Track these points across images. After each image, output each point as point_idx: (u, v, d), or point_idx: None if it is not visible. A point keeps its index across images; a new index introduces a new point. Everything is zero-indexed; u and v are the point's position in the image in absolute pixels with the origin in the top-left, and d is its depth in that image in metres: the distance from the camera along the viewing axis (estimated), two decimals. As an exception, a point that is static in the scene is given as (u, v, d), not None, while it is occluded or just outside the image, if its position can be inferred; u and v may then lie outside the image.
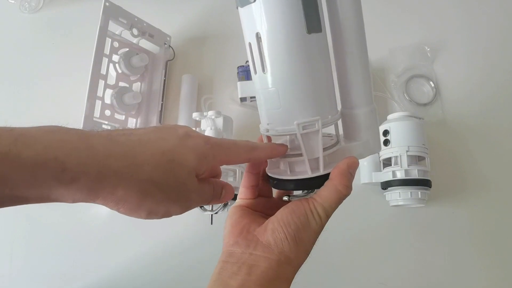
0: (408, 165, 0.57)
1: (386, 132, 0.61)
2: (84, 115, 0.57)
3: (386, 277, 0.60)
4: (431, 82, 0.70)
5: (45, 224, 0.68)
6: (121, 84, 0.68)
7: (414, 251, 0.61)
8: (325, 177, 0.30)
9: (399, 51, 0.72)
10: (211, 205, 0.58)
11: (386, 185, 0.59)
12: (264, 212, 0.34)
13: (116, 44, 0.67)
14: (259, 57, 0.28)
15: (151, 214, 0.25)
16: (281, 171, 0.32)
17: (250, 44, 0.29)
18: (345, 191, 0.30)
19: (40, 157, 0.19)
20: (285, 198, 0.32)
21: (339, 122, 0.33)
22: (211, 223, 0.59)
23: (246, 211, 0.33)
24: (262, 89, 0.29)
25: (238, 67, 0.69)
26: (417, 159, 0.59)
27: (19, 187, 0.20)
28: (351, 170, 0.30)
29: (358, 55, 0.31)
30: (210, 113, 0.61)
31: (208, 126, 0.61)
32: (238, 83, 0.68)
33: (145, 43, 0.72)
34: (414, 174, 0.57)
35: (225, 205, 0.58)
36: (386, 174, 0.59)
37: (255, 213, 0.33)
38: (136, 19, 0.68)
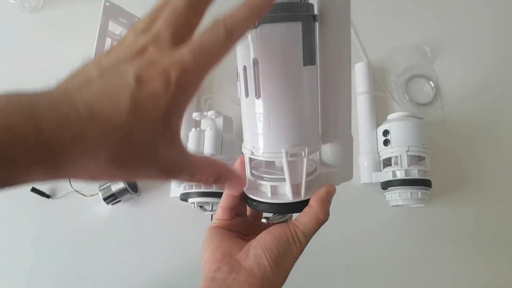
0: (408, 165, 0.57)
1: (386, 132, 0.61)
2: (84, 115, 0.57)
3: (386, 277, 0.60)
4: (431, 82, 0.70)
5: (46, 224, 0.68)
6: (121, 84, 0.68)
7: (414, 251, 0.61)
8: (305, 202, 0.31)
9: (399, 51, 0.72)
10: (211, 205, 0.58)
11: (386, 185, 0.59)
12: (240, 232, 0.34)
13: (116, 44, 0.67)
14: (253, 82, 0.28)
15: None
16: (261, 193, 0.33)
17: (245, 67, 0.29)
18: (324, 217, 0.31)
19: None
20: (264, 220, 0.34)
21: (323, 148, 0.35)
22: (211, 223, 0.59)
23: (224, 233, 0.33)
24: (252, 113, 0.30)
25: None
26: (417, 159, 0.59)
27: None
28: (329, 197, 0.31)
29: (343, 89, 0.33)
30: (210, 113, 0.61)
31: (208, 126, 0.61)
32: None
33: (145, 43, 0.72)
34: (414, 174, 0.57)
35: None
36: (386, 174, 0.59)
37: (232, 234, 0.33)
38: (136, 19, 0.68)
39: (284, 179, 0.30)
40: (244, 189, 0.33)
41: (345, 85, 0.33)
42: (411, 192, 0.57)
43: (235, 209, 0.34)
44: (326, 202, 0.31)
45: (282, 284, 0.30)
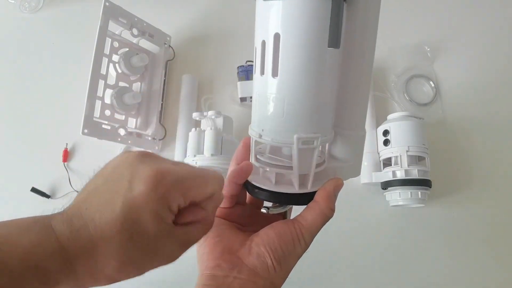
0: (408, 165, 0.57)
1: (386, 132, 0.61)
2: (84, 115, 0.57)
3: (386, 276, 0.60)
4: (431, 82, 0.70)
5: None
6: (121, 84, 0.68)
7: (414, 251, 0.61)
8: (311, 195, 0.29)
9: (399, 51, 0.72)
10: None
11: (386, 185, 0.59)
12: (239, 222, 0.32)
13: (116, 44, 0.67)
14: (271, 59, 0.26)
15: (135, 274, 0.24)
16: (264, 179, 0.30)
17: (264, 42, 0.26)
18: (330, 214, 0.29)
19: (23, 263, 0.20)
20: (263, 210, 0.32)
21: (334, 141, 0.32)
22: (211, 223, 0.59)
23: (222, 225, 0.31)
24: (265, 93, 0.27)
25: (238, 67, 0.69)
26: (417, 159, 0.59)
27: None
28: (336, 192, 0.29)
29: (364, 80, 0.30)
30: (210, 113, 0.61)
31: (208, 126, 0.61)
32: (238, 83, 0.68)
33: (145, 43, 0.72)
34: (414, 174, 0.57)
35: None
36: (386, 174, 0.59)
37: (231, 225, 0.31)
38: (136, 19, 0.68)
39: (290, 168, 0.28)
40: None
41: (366, 76, 0.30)
42: (411, 192, 0.57)
43: (237, 197, 0.32)
44: (333, 197, 0.29)
45: (283, 283, 0.29)
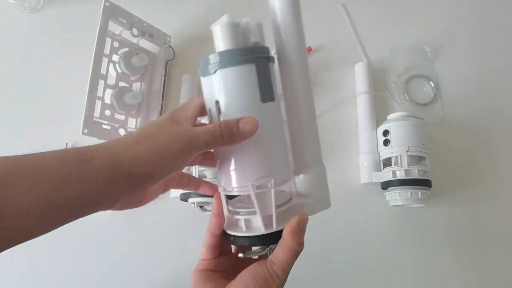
0: (408, 165, 0.57)
1: (386, 132, 0.61)
2: (84, 115, 0.57)
3: (386, 277, 0.60)
4: (431, 82, 0.70)
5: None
6: (121, 84, 0.68)
7: (414, 251, 0.61)
8: (279, 233, 0.31)
9: (399, 51, 0.72)
10: (211, 205, 0.58)
11: (386, 185, 0.59)
12: (226, 271, 0.34)
13: (116, 44, 0.67)
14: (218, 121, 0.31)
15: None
16: (238, 227, 0.33)
17: (210, 109, 0.32)
18: (299, 248, 0.30)
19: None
20: (240, 255, 0.33)
21: (297, 179, 0.35)
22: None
23: (208, 276, 0.33)
24: (219, 152, 0.32)
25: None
26: (417, 159, 0.59)
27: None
28: (302, 227, 0.31)
29: (307, 121, 0.35)
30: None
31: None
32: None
33: (145, 43, 0.72)
34: (414, 174, 0.57)
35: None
36: (386, 174, 0.59)
37: (217, 276, 0.33)
38: (136, 19, 0.68)
39: (256, 212, 0.31)
40: (224, 226, 0.34)
41: (310, 117, 0.35)
42: (411, 192, 0.57)
43: (219, 246, 0.34)
44: (298, 232, 0.30)
45: None
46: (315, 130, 0.35)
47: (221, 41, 0.31)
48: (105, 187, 0.26)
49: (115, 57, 0.67)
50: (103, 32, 0.61)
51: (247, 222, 0.32)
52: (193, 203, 0.58)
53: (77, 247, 0.66)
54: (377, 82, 0.70)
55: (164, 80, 0.73)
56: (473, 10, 0.75)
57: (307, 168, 0.35)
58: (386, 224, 0.62)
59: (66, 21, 0.83)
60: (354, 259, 0.61)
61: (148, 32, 0.70)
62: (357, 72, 0.69)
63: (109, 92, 0.64)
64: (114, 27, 0.64)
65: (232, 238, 0.33)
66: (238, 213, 0.33)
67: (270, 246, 0.33)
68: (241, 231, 0.32)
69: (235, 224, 0.34)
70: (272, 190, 0.30)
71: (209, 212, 0.58)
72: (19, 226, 0.24)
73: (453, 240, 0.61)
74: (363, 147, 0.64)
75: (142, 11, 0.70)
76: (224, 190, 0.32)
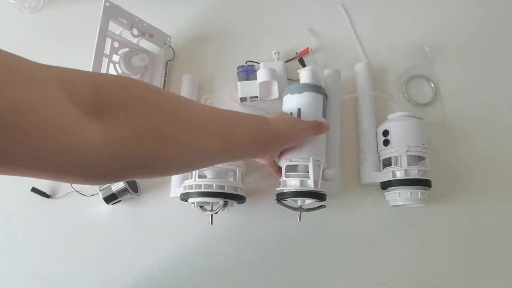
0: (408, 165, 0.57)
1: (386, 132, 0.61)
2: (84, 115, 0.57)
3: (386, 277, 0.60)
4: (431, 82, 0.70)
5: (46, 224, 0.68)
6: (121, 84, 0.68)
7: (414, 251, 0.61)
8: (319, 194, 0.54)
9: (399, 51, 0.72)
10: (211, 205, 0.58)
11: (386, 185, 0.59)
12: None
13: (116, 44, 0.67)
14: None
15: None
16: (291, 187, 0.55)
17: (291, 113, 0.57)
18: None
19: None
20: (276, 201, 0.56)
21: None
22: (211, 223, 0.59)
23: None
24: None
25: (238, 67, 0.69)
26: (417, 159, 0.59)
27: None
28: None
29: (335, 138, 0.61)
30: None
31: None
32: (238, 83, 0.68)
33: (145, 43, 0.72)
34: (414, 174, 0.57)
35: (225, 204, 0.58)
36: (386, 174, 0.59)
37: None
38: (136, 19, 0.68)
39: (309, 177, 0.53)
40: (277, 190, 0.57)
41: (336, 135, 0.62)
42: (411, 192, 0.57)
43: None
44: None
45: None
46: (338, 142, 0.62)
47: (307, 78, 0.60)
48: (271, 143, 0.47)
49: (115, 57, 0.67)
50: (103, 32, 0.61)
51: (302, 182, 0.53)
52: (193, 203, 0.58)
53: (77, 247, 0.66)
54: (377, 82, 0.70)
55: (164, 80, 0.73)
56: (473, 10, 0.75)
57: (331, 166, 0.59)
58: (386, 224, 0.62)
59: (66, 21, 0.83)
60: (354, 259, 0.61)
61: (148, 32, 0.70)
62: (357, 72, 0.69)
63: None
64: (114, 27, 0.64)
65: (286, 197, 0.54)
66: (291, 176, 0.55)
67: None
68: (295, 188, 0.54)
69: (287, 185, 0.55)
70: (321, 165, 0.54)
71: (209, 212, 0.58)
72: (240, 153, 0.44)
73: (453, 240, 0.61)
74: (363, 147, 0.64)
75: (142, 11, 0.70)
76: (290, 160, 0.54)
